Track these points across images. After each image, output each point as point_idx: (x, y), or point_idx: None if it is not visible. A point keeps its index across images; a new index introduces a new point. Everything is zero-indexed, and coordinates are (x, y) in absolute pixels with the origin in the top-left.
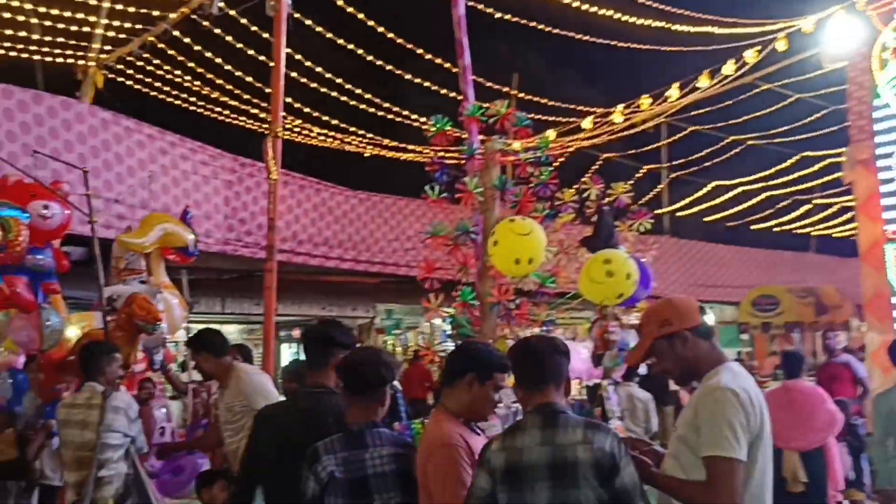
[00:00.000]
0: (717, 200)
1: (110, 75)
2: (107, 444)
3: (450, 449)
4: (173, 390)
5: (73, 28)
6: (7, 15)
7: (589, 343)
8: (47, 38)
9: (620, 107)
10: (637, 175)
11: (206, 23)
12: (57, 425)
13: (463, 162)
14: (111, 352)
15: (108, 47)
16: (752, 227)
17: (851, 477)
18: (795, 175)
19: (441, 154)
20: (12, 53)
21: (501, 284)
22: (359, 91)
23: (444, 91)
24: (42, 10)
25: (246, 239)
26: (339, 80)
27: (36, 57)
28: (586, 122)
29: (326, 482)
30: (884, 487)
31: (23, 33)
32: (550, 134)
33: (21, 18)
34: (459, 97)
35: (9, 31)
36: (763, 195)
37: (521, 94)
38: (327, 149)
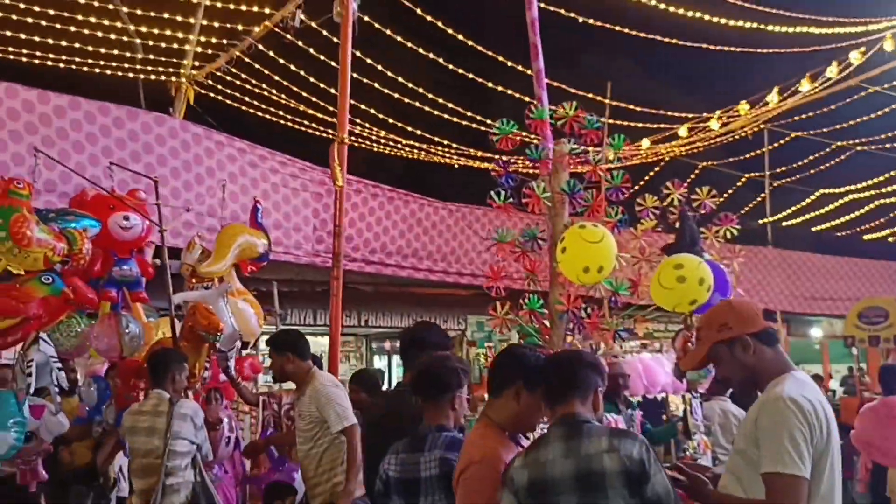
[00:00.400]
0: (825, 209)
1: (201, 91)
2: (174, 451)
3: (482, 466)
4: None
5: (166, 45)
6: (111, 35)
7: (673, 355)
8: (147, 57)
9: (718, 113)
10: (738, 184)
11: (288, 36)
12: (123, 433)
13: (534, 168)
14: (182, 360)
15: (197, 63)
16: (865, 236)
17: None
18: None
19: (507, 159)
20: (108, 72)
21: (571, 293)
22: (449, 104)
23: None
24: (142, 29)
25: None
26: (428, 94)
27: (131, 75)
28: (682, 130)
29: (385, 480)
30: None
31: (122, 52)
32: (645, 142)
33: (115, 37)
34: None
35: (110, 51)
36: (874, 203)
37: (616, 103)
38: (416, 160)
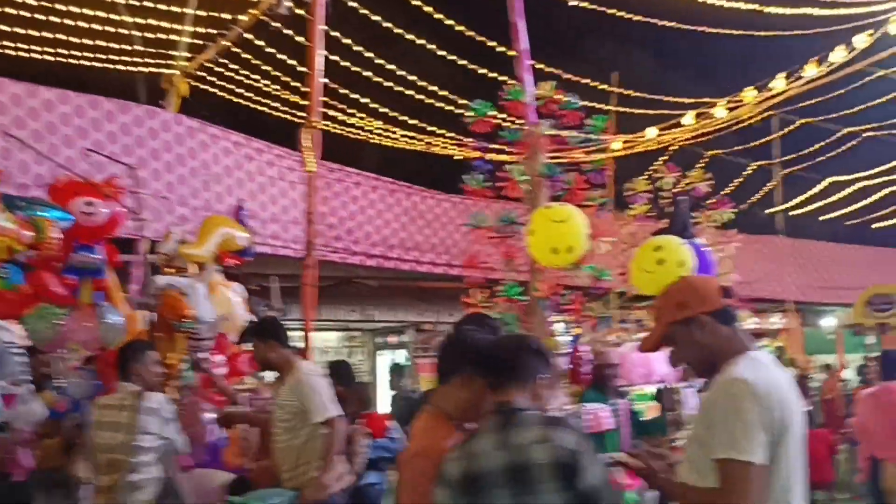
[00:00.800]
0: (835, 197)
1: (195, 83)
2: (140, 446)
3: (423, 459)
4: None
5: (157, 37)
6: (98, 26)
7: None
8: (137, 48)
9: (725, 100)
10: (745, 172)
11: (276, 24)
12: (91, 427)
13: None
14: (145, 350)
15: (189, 55)
16: (874, 225)
17: None
18: None
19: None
20: (97, 66)
21: (552, 279)
22: (446, 94)
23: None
24: (128, 18)
25: (335, 244)
26: (427, 85)
27: (122, 67)
28: (686, 118)
29: None
30: None
31: (115, 44)
32: (650, 131)
33: (106, 29)
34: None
35: (101, 43)
36: (885, 191)
37: (621, 91)
38: (417, 152)
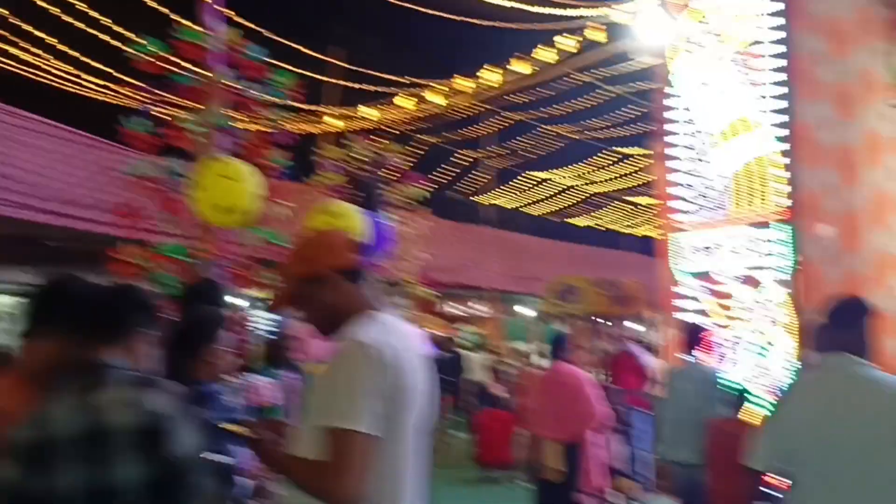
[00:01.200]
0: (548, 193)
1: None
2: None
3: None
4: None
5: None
6: None
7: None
8: None
9: (441, 86)
10: (450, 159)
11: None
12: None
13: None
14: None
15: None
16: (563, 220)
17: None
18: (620, 171)
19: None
20: None
21: (221, 240)
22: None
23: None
24: None
25: (11, 198)
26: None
27: None
28: (402, 101)
29: None
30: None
31: None
32: (365, 108)
33: None
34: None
35: None
36: (594, 190)
37: (338, 62)
38: (112, 104)
